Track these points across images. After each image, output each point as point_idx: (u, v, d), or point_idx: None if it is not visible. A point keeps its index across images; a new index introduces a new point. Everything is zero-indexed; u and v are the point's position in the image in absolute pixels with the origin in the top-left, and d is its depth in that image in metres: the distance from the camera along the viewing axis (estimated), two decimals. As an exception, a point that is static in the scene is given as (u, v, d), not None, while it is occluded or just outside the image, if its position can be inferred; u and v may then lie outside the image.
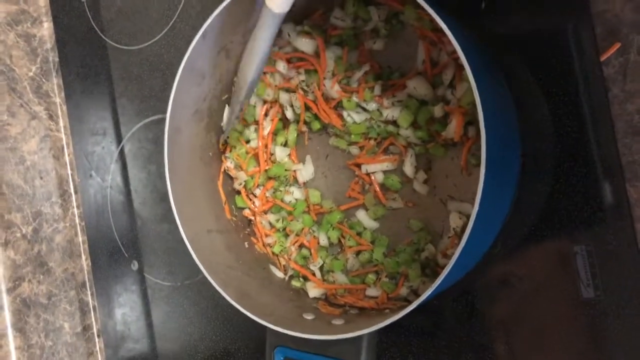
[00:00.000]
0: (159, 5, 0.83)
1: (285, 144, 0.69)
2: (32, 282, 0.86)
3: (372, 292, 0.63)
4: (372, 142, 0.64)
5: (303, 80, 0.66)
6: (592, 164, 0.56)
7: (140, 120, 0.87)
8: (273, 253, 0.70)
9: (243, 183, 0.70)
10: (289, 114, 0.68)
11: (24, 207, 0.87)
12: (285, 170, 0.69)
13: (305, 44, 0.64)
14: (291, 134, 0.68)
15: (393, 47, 0.64)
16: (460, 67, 0.59)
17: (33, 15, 0.93)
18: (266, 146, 0.69)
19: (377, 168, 0.65)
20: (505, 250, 0.60)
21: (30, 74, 0.92)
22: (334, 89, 0.63)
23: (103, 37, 0.89)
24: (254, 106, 0.69)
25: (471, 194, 0.60)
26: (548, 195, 0.58)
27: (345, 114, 0.64)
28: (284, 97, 0.68)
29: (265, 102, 0.69)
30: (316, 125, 0.67)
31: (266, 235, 0.70)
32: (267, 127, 0.69)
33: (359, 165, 0.66)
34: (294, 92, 0.67)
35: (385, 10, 0.62)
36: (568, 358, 0.57)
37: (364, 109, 0.64)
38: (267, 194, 0.70)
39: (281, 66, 0.66)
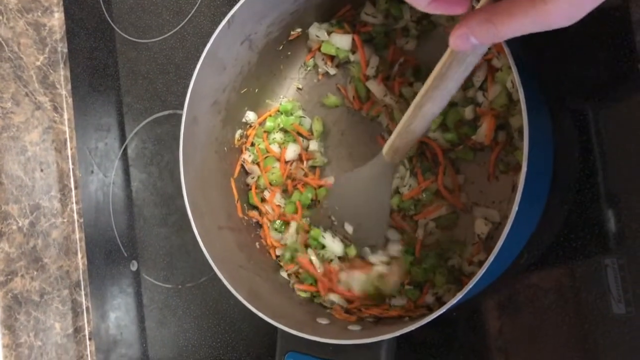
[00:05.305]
0: (177, -2, 0.81)
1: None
2: (25, 277, 0.82)
3: (396, 301, 0.60)
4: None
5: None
6: (624, 174, 0.54)
7: (148, 116, 0.84)
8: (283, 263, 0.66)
9: (256, 178, 0.67)
10: None
11: (22, 198, 0.84)
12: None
13: (341, 40, 0.63)
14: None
15: (422, 47, 0.62)
16: (493, 69, 0.57)
17: (44, 5, 0.91)
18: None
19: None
20: (531, 260, 0.58)
21: (38, 63, 0.89)
22: (380, 87, 0.61)
23: (116, 29, 0.86)
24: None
25: (498, 201, 0.58)
26: (577, 204, 0.56)
27: None
28: None
29: None
30: None
31: (275, 248, 0.67)
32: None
33: None
34: None
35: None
36: (595, 377, 0.55)
37: None
38: (276, 201, 0.67)
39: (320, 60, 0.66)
